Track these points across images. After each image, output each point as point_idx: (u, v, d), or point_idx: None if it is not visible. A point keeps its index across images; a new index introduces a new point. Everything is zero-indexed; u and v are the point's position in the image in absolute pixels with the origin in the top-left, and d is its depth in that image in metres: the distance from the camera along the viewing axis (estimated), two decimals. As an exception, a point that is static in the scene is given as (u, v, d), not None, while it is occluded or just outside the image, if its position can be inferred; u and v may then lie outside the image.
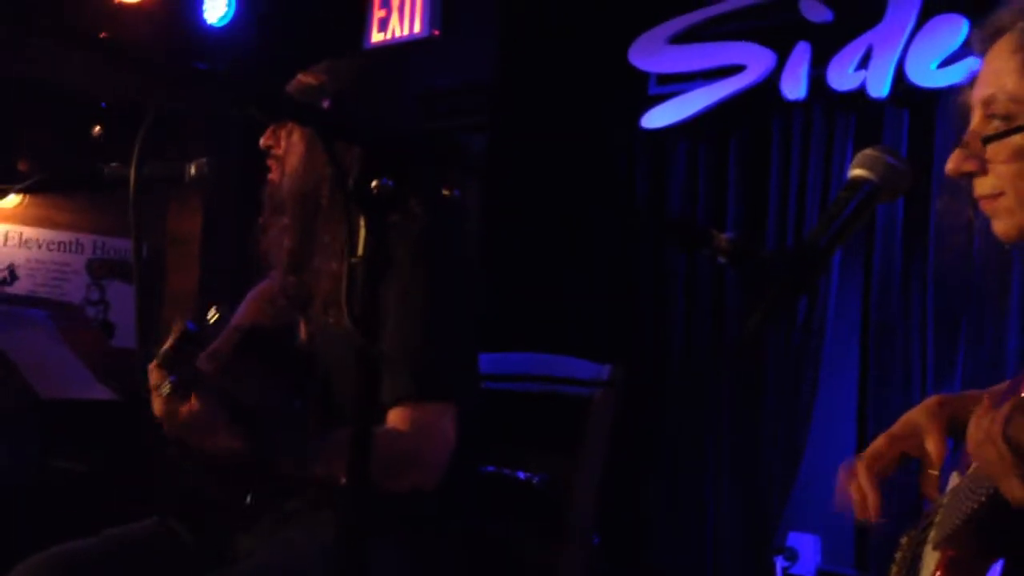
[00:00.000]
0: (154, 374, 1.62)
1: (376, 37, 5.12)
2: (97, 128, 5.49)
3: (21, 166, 5.42)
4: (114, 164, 1.75)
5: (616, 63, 4.20)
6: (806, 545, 3.79)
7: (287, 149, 1.86)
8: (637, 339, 4.18)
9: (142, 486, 1.89)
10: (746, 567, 3.90)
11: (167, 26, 5.10)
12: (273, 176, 1.89)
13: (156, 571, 1.78)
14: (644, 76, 4.21)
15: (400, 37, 5.04)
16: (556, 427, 2.10)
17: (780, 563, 3.77)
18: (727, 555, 3.96)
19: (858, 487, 1.36)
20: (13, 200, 5.65)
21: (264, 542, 1.74)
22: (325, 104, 1.80)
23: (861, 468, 1.37)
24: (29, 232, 5.96)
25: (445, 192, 1.65)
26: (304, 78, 1.86)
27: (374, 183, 1.01)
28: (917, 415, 1.37)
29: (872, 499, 1.35)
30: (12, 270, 5.87)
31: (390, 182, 1.00)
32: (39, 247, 5.99)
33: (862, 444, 3.66)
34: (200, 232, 5.79)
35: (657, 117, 4.14)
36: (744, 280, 3.89)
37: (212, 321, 1.65)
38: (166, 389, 1.61)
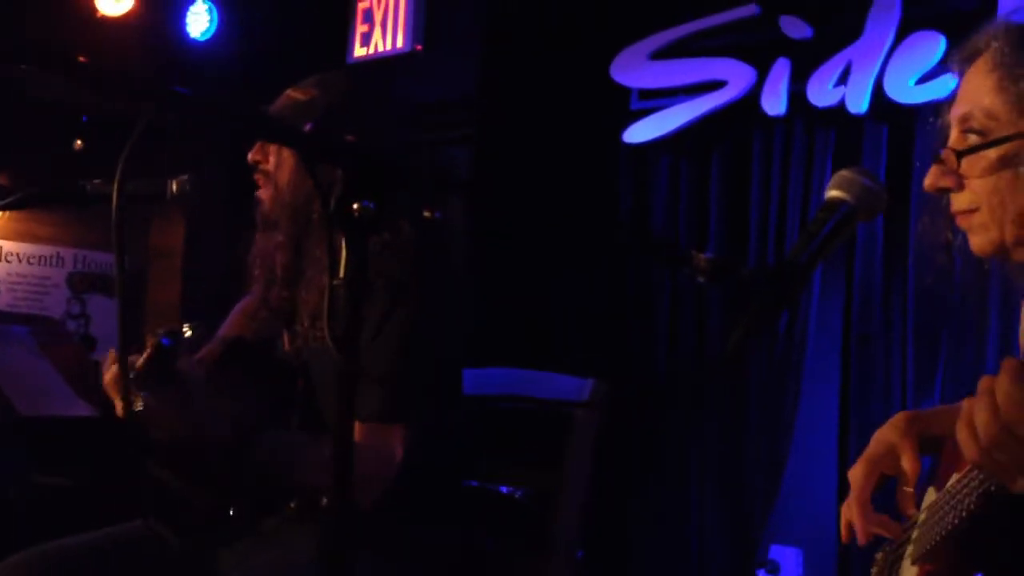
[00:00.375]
0: (128, 389, 1.62)
1: (359, 52, 5.12)
2: (78, 142, 5.47)
3: (1, 180, 5.40)
4: (97, 181, 1.75)
5: (598, 78, 4.22)
6: (788, 558, 3.79)
7: (277, 164, 1.84)
8: (622, 353, 4.19)
9: (128, 500, 1.88)
10: (729, 580, 3.90)
11: (150, 40, 5.09)
12: (261, 192, 1.87)
13: (141, 572, 1.78)
14: (626, 91, 4.23)
15: (383, 52, 5.04)
16: (540, 441, 2.11)
17: (762, 576, 3.78)
18: (711, 568, 3.97)
19: (876, 524, 1.36)
20: (-7, 214, 5.62)
21: (250, 555, 1.74)
22: (313, 122, 1.79)
23: (859, 512, 1.36)
24: (9, 246, 5.93)
25: (427, 213, 1.65)
26: (294, 93, 1.84)
27: (355, 205, 1.01)
28: (889, 434, 1.37)
29: (890, 528, 1.37)
30: (-8, 284, 5.84)
31: (371, 204, 1.00)
32: (19, 261, 5.95)
33: (843, 457, 3.67)
34: (182, 246, 5.78)
35: (639, 132, 4.16)
36: (726, 297, 3.91)
37: (186, 336, 1.65)
38: (139, 404, 1.61)
